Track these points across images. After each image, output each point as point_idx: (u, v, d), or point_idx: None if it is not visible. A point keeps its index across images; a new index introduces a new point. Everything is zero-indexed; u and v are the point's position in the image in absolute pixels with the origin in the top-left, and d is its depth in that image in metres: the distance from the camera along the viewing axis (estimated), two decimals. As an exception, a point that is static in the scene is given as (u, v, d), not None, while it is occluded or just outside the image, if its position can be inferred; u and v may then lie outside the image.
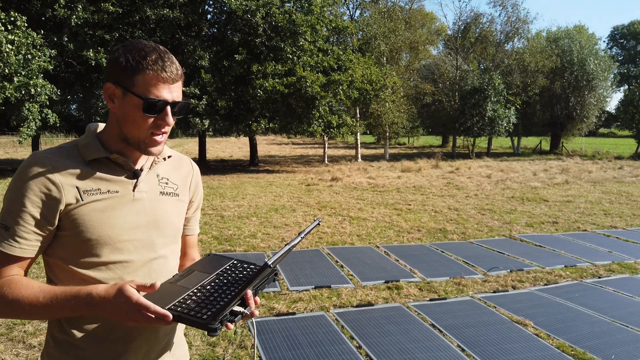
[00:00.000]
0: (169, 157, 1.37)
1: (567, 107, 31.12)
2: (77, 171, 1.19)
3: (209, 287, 1.19)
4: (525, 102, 29.58)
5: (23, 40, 12.72)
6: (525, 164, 21.36)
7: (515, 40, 30.72)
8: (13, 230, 1.14)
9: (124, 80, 1.17)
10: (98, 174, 1.22)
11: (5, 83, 12.26)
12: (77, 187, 1.18)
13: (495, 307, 4.55)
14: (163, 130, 1.21)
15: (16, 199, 1.15)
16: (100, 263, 1.20)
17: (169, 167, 1.37)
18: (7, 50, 12.18)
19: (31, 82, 12.84)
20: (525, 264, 5.98)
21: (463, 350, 3.68)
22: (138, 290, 1.07)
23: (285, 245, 1.10)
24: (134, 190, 1.25)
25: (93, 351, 1.22)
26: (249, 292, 1.14)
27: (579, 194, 12.26)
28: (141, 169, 1.28)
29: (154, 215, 1.27)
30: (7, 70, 12.26)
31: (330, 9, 19.31)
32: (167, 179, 1.34)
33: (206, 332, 1.04)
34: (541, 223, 8.56)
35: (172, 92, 1.19)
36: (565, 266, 5.90)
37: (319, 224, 1.30)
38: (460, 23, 31.04)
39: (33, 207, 1.14)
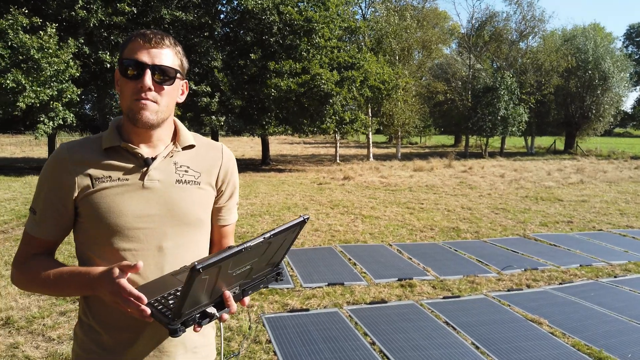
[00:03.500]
0: (191, 146, 1.35)
1: (582, 106, 30.76)
2: (92, 160, 1.24)
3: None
4: (539, 101, 29.29)
5: (59, 53, 13.17)
6: (539, 164, 21.16)
7: (530, 38, 30.42)
8: (38, 214, 1.25)
9: (120, 57, 1.23)
10: (111, 162, 1.25)
11: (40, 88, 12.72)
12: (90, 175, 1.23)
13: (509, 306, 4.53)
14: (145, 95, 1.19)
15: (40, 186, 1.26)
16: (111, 250, 1.22)
17: (191, 156, 1.34)
18: (46, 61, 12.70)
19: (69, 89, 13.41)
20: (540, 263, 5.94)
21: (477, 347, 3.67)
22: (124, 271, 1.08)
23: (238, 245, 0.97)
24: (143, 179, 1.25)
25: (108, 336, 1.26)
26: (227, 293, 1.08)
27: (594, 193, 12.12)
28: (154, 158, 1.27)
29: (167, 204, 1.26)
30: (42, 78, 12.72)
31: (344, 8, 19.31)
32: (188, 167, 1.32)
33: (169, 333, 1.00)
34: (556, 222, 8.48)
35: (154, 56, 1.20)
36: (580, 265, 5.85)
37: (304, 221, 1.13)
38: (474, 21, 30.84)
39: (51, 193, 1.23)
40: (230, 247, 0.99)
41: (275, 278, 1.22)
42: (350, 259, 5.91)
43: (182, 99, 1.34)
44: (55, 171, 1.24)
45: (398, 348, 3.62)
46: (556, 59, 28.36)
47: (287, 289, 4.85)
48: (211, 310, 1.06)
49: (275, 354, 3.50)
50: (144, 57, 1.19)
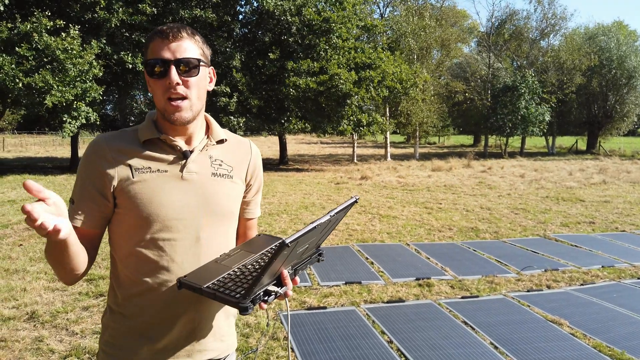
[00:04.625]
0: (224, 140, 1.39)
1: (605, 105, 30.17)
2: (131, 150, 1.27)
3: (250, 266, 1.21)
4: (560, 101, 28.81)
5: (82, 54, 13.51)
6: (561, 164, 20.82)
7: (551, 37, 29.96)
8: (77, 204, 1.26)
9: (144, 59, 1.26)
10: (150, 153, 1.28)
11: (64, 88, 13.02)
12: (129, 165, 1.25)
13: (529, 306, 4.47)
14: (175, 91, 1.21)
15: (79, 176, 1.28)
16: (150, 240, 1.25)
17: (224, 150, 1.39)
18: (71, 62, 13.05)
19: (92, 88, 13.75)
20: (561, 263, 5.85)
21: (496, 347, 3.64)
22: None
23: (311, 223, 1.04)
24: (182, 170, 1.28)
25: (141, 324, 1.28)
26: (285, 272, 1.14)
27: (617, 194, 11.88)
28: (192, 151, 1.31)
29: (204, 196, 1.29)
30: (67, 79, 13.04)
31: (360, 7, 19.30)
32: (221, 161, 1.36)
33: (238, 311, 1.06)
34: (577, 223, 8.34)
35: (174, 51, 1.21)
36: (602, 266, 5.75)
37: (356, 201, 1.21)
38: (493, 20, 30.49)
39: (90, 183, 1.25)
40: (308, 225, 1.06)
41: (318, 259, 1.30)
42: (367, 258, 5.91)
43: (211, 86, 1.36)
44: (93, 161, 1.25)
45: (416, 347, 3.62)
46: (578, 57, 27.86)
47: (305, 287, 4.88)
48: (273, 288, 1.13)
49: (292, 350, 3.52)
50: (166, 53, 1.21)
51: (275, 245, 1.29)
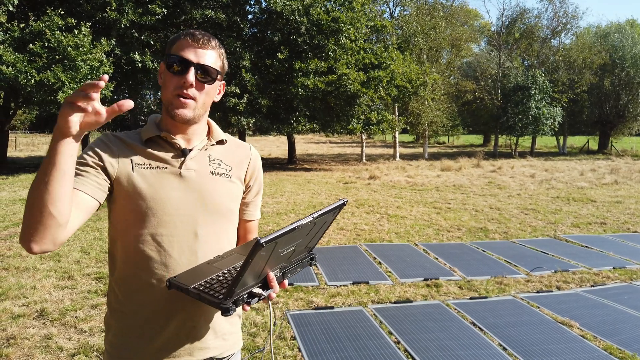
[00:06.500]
0: (225, 141, 1.43)
1: (617, 105, 29.82)
2: (134, 147, 1.31)
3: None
4: (572, 100, 28.52)
5: (93, 51, 13.63)
6: (572, 164, 20.62)
7: (562, 35, 29.68)
8: (77, 169, 1.20)
9: (167, 53, 1.31)
10: (150, 150, 1.31)
11: (76, 85, 13.13)
12: (131, 160, 1.29)
13: (538, 307, 4.43)
14: (186, 92, 1.26)
15: (82, 155, 1.28)
16: (148, 235, 1.26)
17: (223, 150, 1.42)
18: (81, 59, 13.16)
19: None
20: (571, 264, 5.79)
21: (505, 349, 3.60)
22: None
23: (291, 224, 1.03)
24: (181, 167, 1.31)
25: (141, 321, 1.29)
26: (271, 274, 1.14)
27: (630, 194, 11.73)
28: (191, 149, 1.34)
29: (201, 193, 1.31)
30: (78, 76, 13.18)
31: (369, 7, 19.24)
32: (220, 160, 1.39)
33: (220, 312, 1.06)
34: (588, 224, 8.25)
35: (199, 56, 1.27)
36: (613, 267, 5.68)
37: (344, 204, 1.20)
38: (504, 18, 30.27)
39: (96, 156, 1.26)
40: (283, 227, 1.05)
41: (310, 262, 1.30)
42: (375, 258, 5.89)
43: (218, 98, 1.41)
44: (99, 147, 1.28)
45: (423, 348, 3.59)
46: (589, 56, 27.56)
47: (312, 286, 4.87)
48: (257, 290, 1.12)
49: (299, 350, 3.52)
50: (190, 55, 1.26)
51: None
